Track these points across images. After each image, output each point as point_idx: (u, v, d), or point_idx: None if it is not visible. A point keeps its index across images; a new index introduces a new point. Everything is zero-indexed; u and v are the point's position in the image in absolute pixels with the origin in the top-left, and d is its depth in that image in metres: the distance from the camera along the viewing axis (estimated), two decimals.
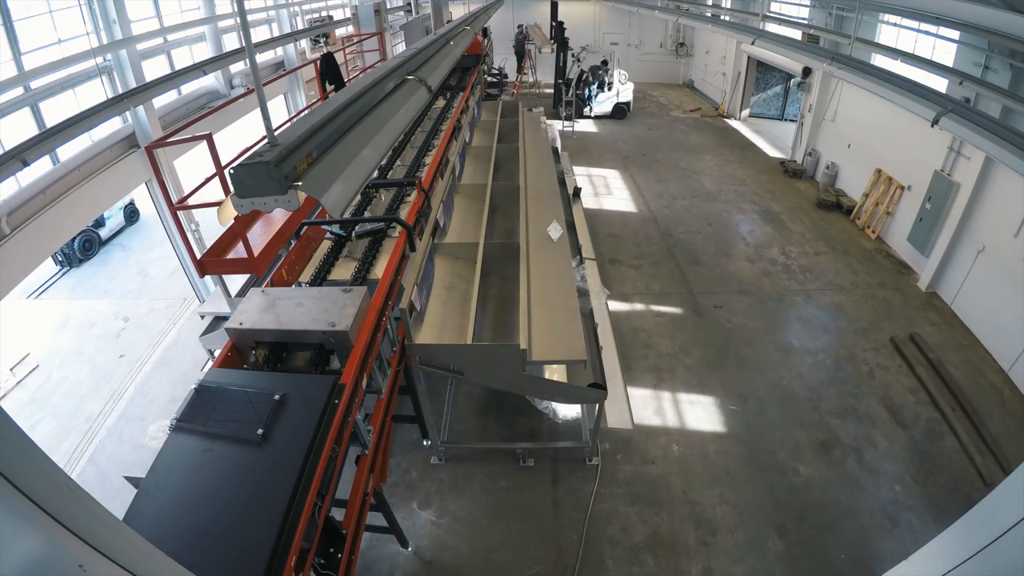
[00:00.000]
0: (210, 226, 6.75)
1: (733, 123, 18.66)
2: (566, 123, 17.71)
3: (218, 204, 4.00)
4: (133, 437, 6.95)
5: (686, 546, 5.39)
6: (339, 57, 9.93)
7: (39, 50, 7.13)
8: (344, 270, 4.83)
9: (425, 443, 6.03)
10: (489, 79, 18.24)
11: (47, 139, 5.93)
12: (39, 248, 6.57)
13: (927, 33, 8.97)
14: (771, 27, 13.55)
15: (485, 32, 14.48)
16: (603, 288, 8.89)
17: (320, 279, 4.66)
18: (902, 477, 6.03)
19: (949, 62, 8.62)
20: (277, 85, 12.27)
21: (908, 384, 7.28)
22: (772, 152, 15.84)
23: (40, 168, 6.64)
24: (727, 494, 5.88)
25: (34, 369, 8.46)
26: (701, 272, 9.92)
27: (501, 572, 5.23)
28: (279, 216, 5.13)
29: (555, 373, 5.62)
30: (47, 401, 7.80)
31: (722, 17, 17.25)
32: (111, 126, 7.80)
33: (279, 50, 12.84)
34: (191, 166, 8.85)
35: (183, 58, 10.25)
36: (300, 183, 2.42)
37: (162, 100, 8.85)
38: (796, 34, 13.42)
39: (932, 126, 6.89)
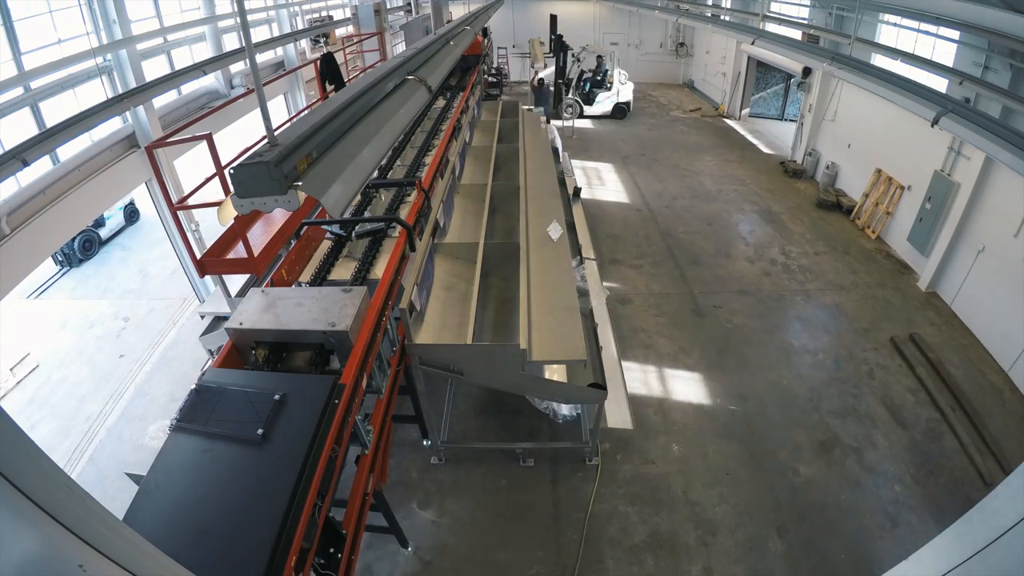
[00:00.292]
0: (210, 226, 6.75)
1: (733, 123, 18.67)
2: (567, 122, 17.82)
3: (218, 204, 4.00)
4: (133, 437, 6.95)
5: (686, 546, 5.39)
6: (339, 57, 9.93)
7: (39, 50, 7.13)
8: (344, 270, 4.83)
9: (425, 443, 6.03)
10: (489, 79, 18.32)
11: (47, 139, 5.92)
12: (39, 248, 6.57)
13: (927, 33, 8.97)
14: (771, 27, 13.55)
15: (485, 32, 14.48)
16: (603, 288, 8.90)
17: (320, 279, 4.66)
18: (902, 477, 6.03)
19: (949, 62, 8.62)
20: (277, 85, 12.27)
21: (908, 384, 7.28)
22: (772, 152, 15.85)
23: (40, 168, 6.64)
24: (727, 494, 5.88)
25: (34, 369, 8.46)
26: (701, 272, 9.92)
27: (501, 572, 5.23)
28: (279, 216, 5.13)
29: (555, 373, 5.62)
30: (47, 401, 7.80)
31: (722, 17, 17.25)
32: (111, 126, 7.80)
33: (279, 50, 12.83)
34: (191, 166, 8.85)
35: (183, 58, 10.25)
36: (300, 183, 2.42)
37: (162, 100, 8.84)
38: (796, 34, 13.42)
39: (932, 126, 6.89)
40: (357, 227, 5.22)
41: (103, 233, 12.93)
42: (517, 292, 5.52)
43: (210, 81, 10.49)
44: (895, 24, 10.25)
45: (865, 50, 9.90)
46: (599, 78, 19.19)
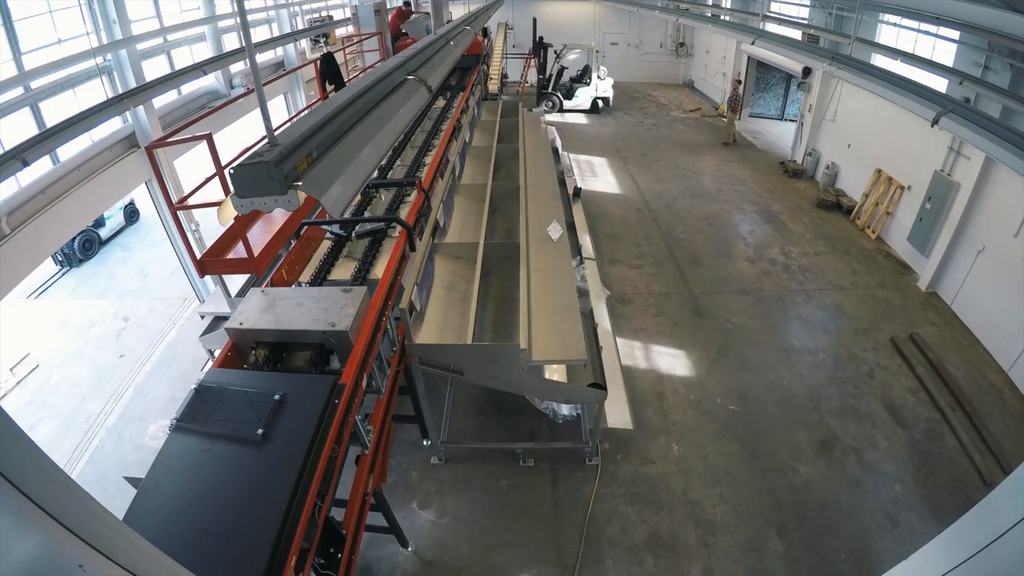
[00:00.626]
0: (210, 226, 6.75)
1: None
2: (547, 115, 18.38)
3: (218, 204, 3.99)
4: (133, 437, 6.95)
5: (686, 546, 5.39)
6: (339, 57, 9.93)
7: (39, 50, 7.13)
8: (344, 270, 4.83)
9: (425, 443, 6.03)
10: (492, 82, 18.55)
11: (47, 139, 5.92)
12: (39, 248, 6.57)
13: (927, 33, 8.97)
14: (771, 27, 13.55)
15: (485, 32, 14.48)
16: (603, 288, 8.90)
17: (320, 279, 4.66)
18: (902, 477, 6.03)
19: (949, 62, 8.63)
20: (277, 85, 12.27)
21: (908, 384, 7.28)
22: (772, 152, 15.85)
23: (40, 168, 6.64)
24: (727, 494, 5.88)
25: (34, 369, 8.46)
26: (701, 272, 9.92)
27: (501, 572, 5.23)
28: (279, 216, 5.13)
29: (555, 373, 5.62)
30: (47, 401, 7.80)
31: (722, 17, 17.25)
32: (111, 126, 7.80)
33: (279, 50, 12.83)
34: (191, 166, 8.85)
35: (183, 58, 10.25)
36: (300, 183, 2.42)
37: (162, 100, 8.84)
38: (796, 34, 13.42)
39: (932, 126, 6.89)
40: (357, 227, 5.22)
41: (103, 233, 12.93)
42: (517, 292, 5.52)
43: (210, 81, 10.49)
44: (895, 24, 10.25)
45: (865, 50, 9.90)
46: (579, 74, 19.96)
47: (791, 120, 17.53)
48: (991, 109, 7.37)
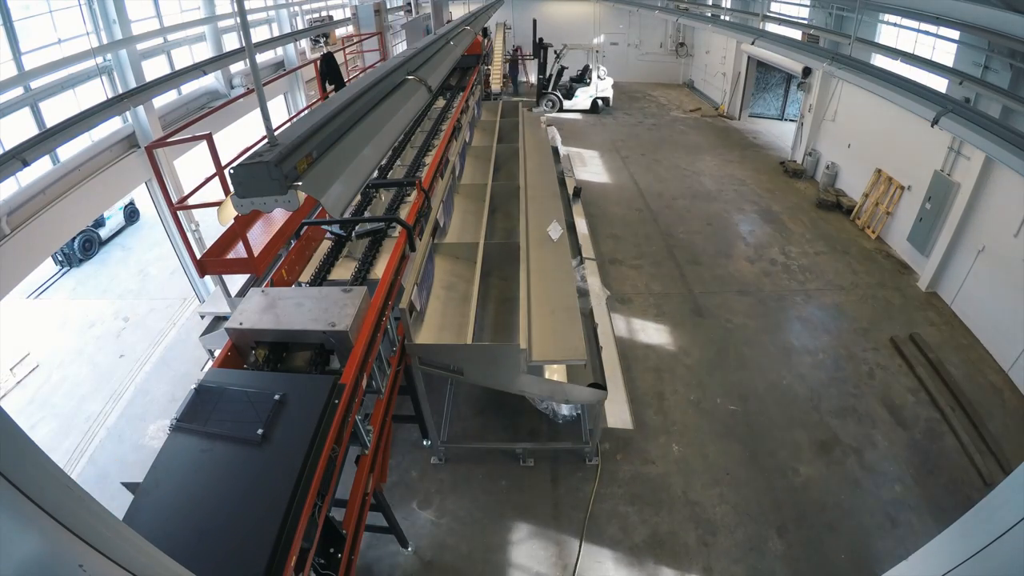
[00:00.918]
0: (210, 226, 6.75)
1: (733, 123, 18.67)
2: (546, 115, 18.56)
3: (218, 204, 3.99)
4: (133, 437, 6.95)
5: (686, 546, 5.39)
6: (339, 57, 9.93)
7: (39, 50, 7.13)
8: (344, 270, 4.83)
9: (425, 443, 6.03)
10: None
11: (47, 139, 5.92)
12: (39, 248, 6.57)
13: (927, 33, 8.98)
14: (771, 27, 13.55)
15: (485, 32, 14.49)
16: (603, 288, 8.90)
17: (320, 279, 4.66)
18: (902, 477, 6.03)
19: (949, 62, 8.63)
20: (277, 85, 12.27)
21: (908, 384, 7.28)
22: (772, 152, 15.85)
23: (40, 168, 6.64)
24: (727, 494, 5.88)
25: (34, 369, 8.46)
26: (701, 272, 9.92)
27: (501, 572, 5.23)
28: (279, 216, 5.13)
29: (555, 373, 5.62)
30: (47, 401, 7.80)
31: (722, 17, 17.26)
32: (111, 126, 7.80)
33: (279, 50, 12.83)
34: (191, 166, 8.85)
35: (183, 58, 10.25)
36: (300, 183, 2.42)
37: (162, 100, 8.84)
38: (796, 34, 13.43)
39: (932, 126, 6.89)
40: (357, 227, 5.22)
41: (103, 233, 12.93)
42: (517, 292, 5.52)
43: (210, 81, 10.49)
44: (895, 24, 10.25)
45: (865, 50, 9.90)
46: (579, 73, 20.00)
47: (791, 120, 17.54)
48: (991, 109, 7.37)
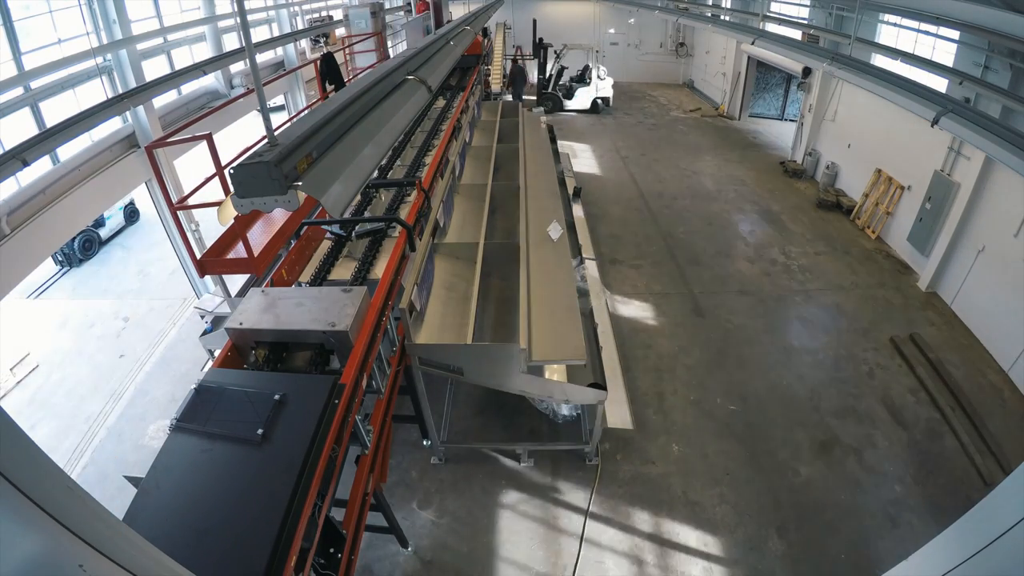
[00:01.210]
0: (210, 226, 6.75)
1: (733, 123, 18.67)
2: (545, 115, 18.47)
3: (218, 204, 4.00)
4: (133, 437, 6.95)
5: (686, 546, 5.39)
6: (339, 57, 9.93)
7: (39, 50, 7.13)
8: (344, 270, 4.83)
9: (425, 443, 6.03)
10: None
11: (47, 139, 5.92)
12: (39, 248, 6.58)
13: (927, 33, 8.98)
14: (771, 27, 13.55)
15: (485, 32, 14.48)
16: (603, 288, 8.90)
17: (320, 279, 4.66)
18: (902, 477, 6.03)
19: (949, 62, 8.63)
20: (277, 85, 12.27)
21: (908, 384, 7.28)
22: (772, 152, 15.85)
23: (40, 168, 6.64)
24: (727, 494, 5.89)
25: (34, 369, 8.46)
26: (701, 272, 9.92)
27: (501, 572, 5.23)
28: (279, 216, 5.14)
29: (555, 373, 5.61)
30: (47, 401, 7.80)
31: (722, 17, 17.26)
32: (111, 126, 7.80)
33: (279, 50, 12.84)
34: (191, 166, 8.85)
35: (183, 58, 10.25)
36: (300, 183, 2.42)
37: (162, 100, 8.85)
38: (796, 34, 13.42)
39: (932, 126, 6.89)
40: (357, 227, 5.22)
41: (103, 233, 12.93)
42: (517, 292, 5.52)
43: (210, 81, 10.49)
44: (895, 24, 10.25)
45: (865, 50, 9.90)
46: (579, 73, 20.03)
47: (791, 120, 17.54)
48: (991, 109, 7.37)
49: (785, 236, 11.08)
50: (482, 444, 6.50)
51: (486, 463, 6.26)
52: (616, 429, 6.61)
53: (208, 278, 7.41)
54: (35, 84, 6.95)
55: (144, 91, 7.57)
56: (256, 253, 4.64)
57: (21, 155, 5.56)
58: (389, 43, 13.08)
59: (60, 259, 12.08)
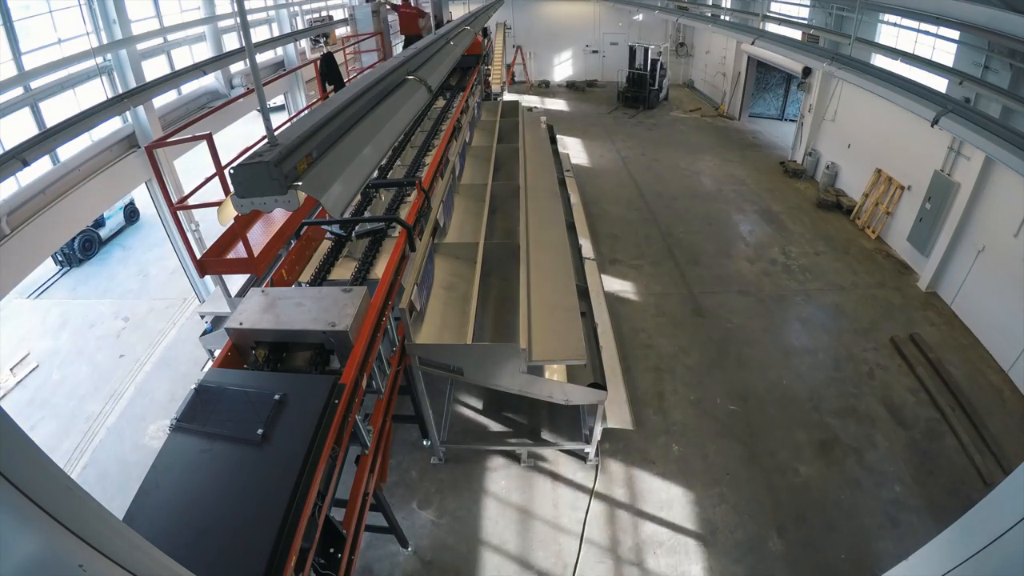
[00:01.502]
0: (210, 226, 6.75)
1: (733, 123, 18.67)
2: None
3: (218, 204, 3.99)
4: (133, 437, 6.95)
5: (686, 546, 5.39)
6: (339, 57, 9.92)
7: (39, 50, 7.13)
8: (344, 270, 4.83)
9: (425, 443, 6.03)
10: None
11: (47, 139, 5.92)
12: (39, 248, 6.57)
13: (927, 33, 8.98)
14: (771, 27, 13.56)
15: (485, 32, 14.48)
16: (602, 289, 8.86)
17: (320, 279, 4.66)
18: (902, 477, 6.03)
19: (949, 62, 8.63)
20: (277, 85, 12.27)
21: (908, 384, 7.28)
22: (772, 152, 15.84)
23: (40, 168, 6.64)
24: (727, 494, 5.88)
25: (34, 369, 8.46)
26: (701, 272, 9.92)
27: (501, 572, 5.23)
28: (279, 216, 5.12)
29: (555, 373, 5.62)
30: (47, 401, 7.80)
31: (722, 17, 17.26)
32: (111, 126, 7.80)
33: (279, 50, 12.83)
34: (191, 166, 8.85)
35: (183, 58, 10.25)
36: (300, 183, 2.42)
37: (162, 100, 8.84)
38: (796, 34, 13.43)
39: (932, 126, 6.90)
40: (357, 227, 5.22)
41: (103, 233, 12.93)
42: (517, 292, 5.52)
43: (210, 81, 10.49)
44: (895, 24, 10.25)
45: (865, 50, 9.91)
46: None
47: (791, 120, 17.54)
48: (991, 109, 7.37)
49: (785, 236, 11.08)
50: (482, 444, 6.50)
51: (486, 463, 6.26)
52: (616, 429, 6.61)
53: (208, 278, 7.39)
54: (35, 84, 6.95)
55: (144, 91, 7.57)
56: (256, 253, 4.62)
57: (21, 155, 5.56)
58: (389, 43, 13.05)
59: (60, 259, 12.08)
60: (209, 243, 4.93)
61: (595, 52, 24.30)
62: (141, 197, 13.10)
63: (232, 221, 4.53)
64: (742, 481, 6.02)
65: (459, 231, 6.78)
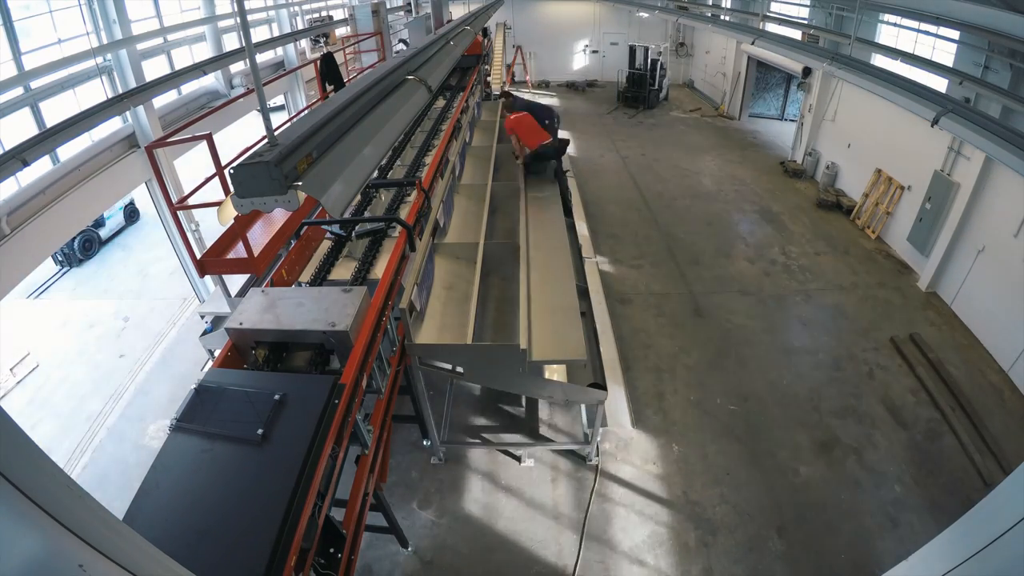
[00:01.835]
0: (210, 226, 6.75)
1: (733, 123, 18.67)
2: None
3: (218, 204, 4.00)
4: (133, 437, 6.95)
5: (686, 546, 5.39)
6: (339, 57, 9.93)
7: (39, 50, 7.13)
8: (344, 270, 4.83)
9: (425, 443, 6.03)
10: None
11: (47, 139, 5.92)
12: (39, 248, 6.57)
13: (927, 33, 8.98)
14: (771, 27, 13.56)
15: (485, 32, 14.48)
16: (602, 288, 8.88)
17: (320, 279, 4.66)
18: (902, 477, 6.03)
19: (949, 62, 8.63)
20: (277, 85, 12.27)
21: (908, 384, 7.28)
22: (772, 152, 15.85)
23: (40, 168, 6.64)
24: (727, 494, 5.88)
25: (34, 369, 8.46)
26: (701, 272, 9.92)
27: (501, 572, 5.23)
28: (279, 216, 5.13)
29: (555, 373, 5.62)
30: (47, 401, 7.80)
31: (722, 17, 17.26)
32: (111, 126, 7.80)
33: (279, 50, 12.83)
34: (192, 166, 8.85)
35: (183, 58, 10.25)
36: (300, 183, 2.42)
37: (162, 100, 8.84)
38: (796, 34, 13.43)
39: (932, 126, 6.90)
40: (357, 227, 5.22)
41: (103, 233, 12.93)
42: (517, 292, 5.53)
43: (210, 81, 10.49)
44: (895, 24, 10.25)
45: (865, 50, 9.91)
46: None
47: (791, 120, 17.54)
48: (991, 109, 7.37)
49: (785, 236, 11.08)
50: (482, 444, 6.50)
51: (486, 463, 6.26)
52: (616, 429, 6.61)
53: (208, 278, 7.40)
54: (35, 84, 6.95)
55: (144, 91, 7.57)
56: (256, 253, 4.63)
57: (21, 155, 5.55)
58: (393, 42, 13.08)
59: (60, 259, 12.08)
60: (209, 243, 4.94)
61: (595, 52, 24.31)
62: (141, 197, 13.11)
63: (232, 221, 4.53)
64: (742, 481, 6.02)
65: (459, 231, 6.78)
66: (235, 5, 9.58)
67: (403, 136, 7.84)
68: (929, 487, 5.92)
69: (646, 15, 21.32)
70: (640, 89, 20.24)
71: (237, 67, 10.65)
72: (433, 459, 6.27)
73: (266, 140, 2.55)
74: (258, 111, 3.10)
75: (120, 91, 7.85)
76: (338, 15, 15.57)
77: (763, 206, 12.43)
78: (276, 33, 13.15)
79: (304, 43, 13.55)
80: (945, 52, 8.97)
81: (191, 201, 5.05)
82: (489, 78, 15.41)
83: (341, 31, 14.72)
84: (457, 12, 13.43)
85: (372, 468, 3.79)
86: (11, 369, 8.26)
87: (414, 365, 4.94)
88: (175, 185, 8.39)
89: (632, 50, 20.37)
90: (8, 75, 6.46)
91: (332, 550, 3.07)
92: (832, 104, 12.85)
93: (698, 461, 6.26)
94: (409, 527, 5.53)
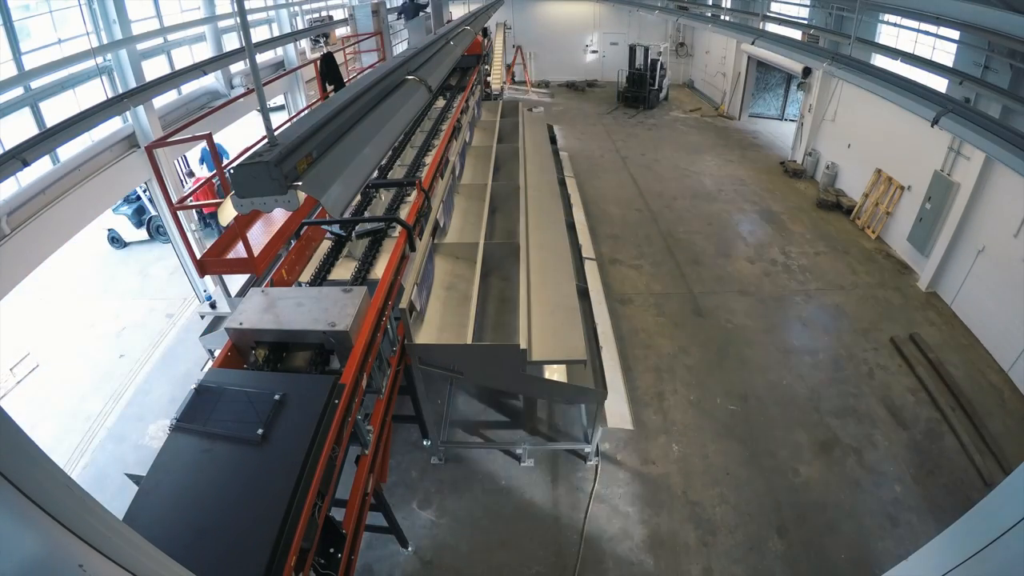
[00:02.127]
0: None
1: (733, 123, 18.67)
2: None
3: (218, 204, 4.00)
4: (133, 437, 6.95)
5: (686, 546, 5.39)
6: (339, 57, 9.92)
7: (39, 50, 7.12)
8: (344, 270, 4.83)
9: (425, 443, 6.03)
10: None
11: (47, 139, 5.92)
12: (39, 248, 6.57)
13: (927, 33, 8.97)
14: (771, 27, 13.55)
15: (485, 32, 14.48)
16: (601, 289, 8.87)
17: (320, 279, 4.66)
18: (902, 477, 6.03)
19: (949, 62, 8.62)
20: (277, 85, 12.26)
21: (908, 384, 7.28)
22: (772, 152, 15.85)
23: (40, 168, 6.64)
24: (727, 494, 5.88)
25: (34, 369, 8.45)
26: (701, 272, 9.92)
27: (501, 572, 5.23)
28: (279, 216, 5.13)
29: (555, 373, 5.62)
30: (47, 401, 7.80)
31: (722, 17, 17.26)
32: (111, 126, 7.79)
33: (279, 50, 12.83)
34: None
35: (183, 58, 10.24)
36: (300, 183, 2.42)
37: (162, 100, 8.83)
38: (796, 34, 13.42)
39: (932, 126, 6.89)
40: (357, 227, 5.22)
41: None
42: (517, 292, 5.52)
43: (210, 81, 10.49)
44: (895, 24, 10.25)
45: (865, 50, 9.90)
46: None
47: (791, 120, 17.54)
48: (991, 109, 7.37)
49: (785, 236, 11.08)
50: (482, 444, 6.50)
51: (486, 463, 6.26)
52: (616, 429, 6.61)
53: (208, 278, 7.40)
54: (35, 84, 6.95)
55: (144, 91, 7.56)
56: (256, 253, 4.63)
57: (21, 155, 5.55)
58: (390, 43, 13.07)
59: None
60: (209, 243, 4.94)
61: (595, 52, 24.31)
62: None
63: (232, 221, 4.53)
64: (742, 481, 6.02)
65: (459, 231, 6.78)
66: (235, 5, 9.57)
67: (403, 136, 7.84)
68: (929, 487, 5.92)
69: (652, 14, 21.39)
70: (640, 89, 20.25)
71: (237, 67, 10.65)
72: (433, 459, 6.26)
73: (266, 140, 2.55)
74: (258, 111, 3.10)
75: (120, 91, 7.84)
76: (338, 15, 15.56)
77: (763, 206, 12.43)
78: (276, 33, 13.14)
79: (304, 43, 13.55)
80: (945, 52, 8.97)
81: (191, 201, 5.05)
82: (489, 78, 15.40)
83: (341, 31, 14.71)
84: (457, 12, 13.43)
85: (372, 468, 3.79)
86: (11, 369, 8.26)
87: (414, 365, 4.94)
88: (175, 185, 8.38)
89: (632, 50, 20.39)
90: (8, 75, 6.45)
91: (332, 550, 3.07)
92: (832, 104, 12.85)
93: (698, 461, 6.26)
94: (409, 527, 5.53)
